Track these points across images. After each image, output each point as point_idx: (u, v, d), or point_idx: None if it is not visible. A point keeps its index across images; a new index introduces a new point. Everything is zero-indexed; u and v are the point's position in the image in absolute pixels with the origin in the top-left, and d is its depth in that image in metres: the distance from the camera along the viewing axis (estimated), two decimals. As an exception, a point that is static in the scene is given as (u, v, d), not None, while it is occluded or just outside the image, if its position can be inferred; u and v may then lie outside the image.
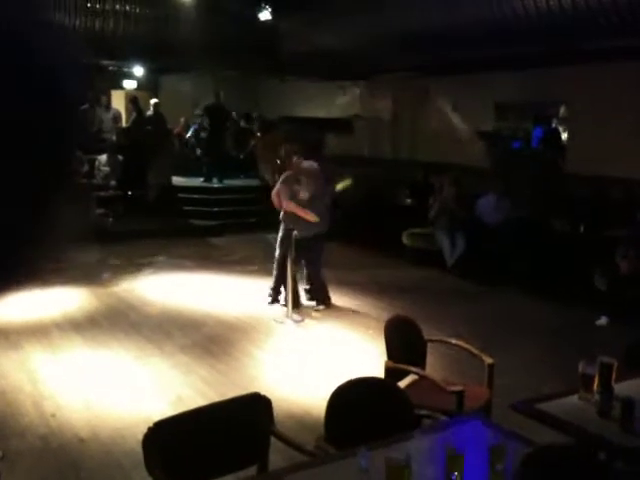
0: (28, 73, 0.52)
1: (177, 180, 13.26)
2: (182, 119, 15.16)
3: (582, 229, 8.56)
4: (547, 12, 6.99)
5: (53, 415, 4.69)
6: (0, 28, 0.51)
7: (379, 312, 7.08)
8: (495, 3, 7.44)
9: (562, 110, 10.86)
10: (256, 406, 3.11)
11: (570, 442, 3.01)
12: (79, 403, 4.90)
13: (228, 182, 13.40)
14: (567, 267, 7.80)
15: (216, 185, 13.29)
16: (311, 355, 6.15)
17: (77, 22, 9.39)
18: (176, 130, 14.83)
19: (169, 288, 8.28)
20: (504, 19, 7.44)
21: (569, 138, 10.40)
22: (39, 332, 6.46)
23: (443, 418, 3.80)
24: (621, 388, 3.26)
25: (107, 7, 9.76)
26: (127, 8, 9.98)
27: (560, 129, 10.89)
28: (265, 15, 10.65)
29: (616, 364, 3.27)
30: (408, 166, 12.15)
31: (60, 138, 0.56)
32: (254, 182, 13.03)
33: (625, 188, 8.80)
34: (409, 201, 11.35)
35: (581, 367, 3.30)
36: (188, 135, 14.93)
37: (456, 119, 11.72)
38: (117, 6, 9.88)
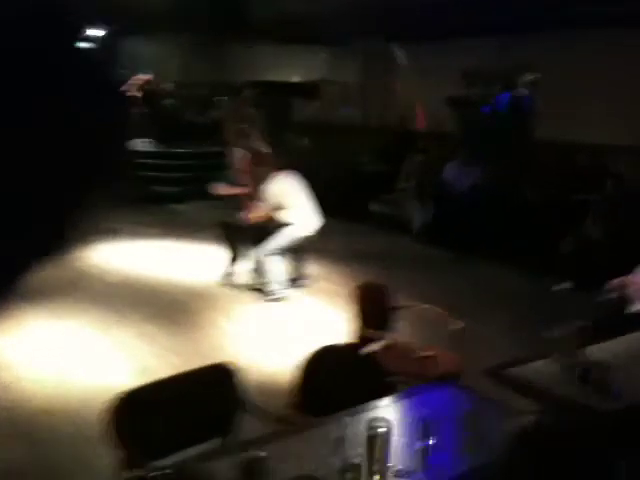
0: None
1: (137, 145, 12.86)
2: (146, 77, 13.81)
3: (550, 195, 8.54)
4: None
5: (10, 384, 4.52)
6: None
7: (347, 279, 6.99)
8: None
9: (529, 76, 10.80)
10: (223, 376, 3.01)
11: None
12: (38, 374, 4.74)
13: (189, 148, 13.02)
14: (535, 233, 7.78)
15: (179, 150, 12.96)
16: (278, 322, 6.06)
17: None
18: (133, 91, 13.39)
19: (129, 256, 8.04)
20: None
21: (536, 104, 10.36)
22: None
23: (414, 384, 3.74)
24: (594, 351, 3.23)
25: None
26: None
27: (527, 95, 10.84)
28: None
29: (590, 327, 3.23)
30: (377, 133, 12.02)
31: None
32: (219, 148, 12.69)
33: (593, 154, 8.80)
34: (377, 167, 11.24)
35: (555, 331, 3.26)
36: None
37: (424, 85, 11.59)
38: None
